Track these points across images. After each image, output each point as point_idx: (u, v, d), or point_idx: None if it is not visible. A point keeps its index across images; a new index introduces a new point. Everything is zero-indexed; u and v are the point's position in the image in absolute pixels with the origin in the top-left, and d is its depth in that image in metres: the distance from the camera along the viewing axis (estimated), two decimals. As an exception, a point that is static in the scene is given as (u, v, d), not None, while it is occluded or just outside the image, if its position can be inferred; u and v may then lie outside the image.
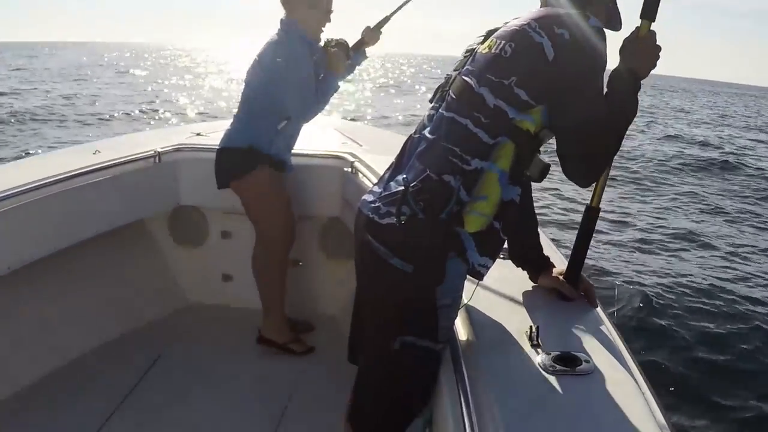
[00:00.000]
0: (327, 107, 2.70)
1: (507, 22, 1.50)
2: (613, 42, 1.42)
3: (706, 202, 9.50)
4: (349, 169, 2.86)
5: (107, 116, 15.62)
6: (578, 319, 1.55)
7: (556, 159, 1.43)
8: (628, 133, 1.46)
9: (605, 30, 1.41)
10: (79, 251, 2.59)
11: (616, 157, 1.50)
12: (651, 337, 4.49)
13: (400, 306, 1.46)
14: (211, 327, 3.09)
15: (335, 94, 2.70)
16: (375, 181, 1.83)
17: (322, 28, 2.63)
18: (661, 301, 5.06)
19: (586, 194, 1.70)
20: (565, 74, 1.34)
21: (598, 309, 1.63)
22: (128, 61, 53.69)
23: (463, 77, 1.47)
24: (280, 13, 2.61)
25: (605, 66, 1.37)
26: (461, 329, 1.52)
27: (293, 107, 2.59)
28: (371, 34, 2.78)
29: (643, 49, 1.41)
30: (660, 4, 1.42)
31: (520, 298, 1.65)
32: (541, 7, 1.49)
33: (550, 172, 1.40)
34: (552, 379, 1.27)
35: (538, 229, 1.73)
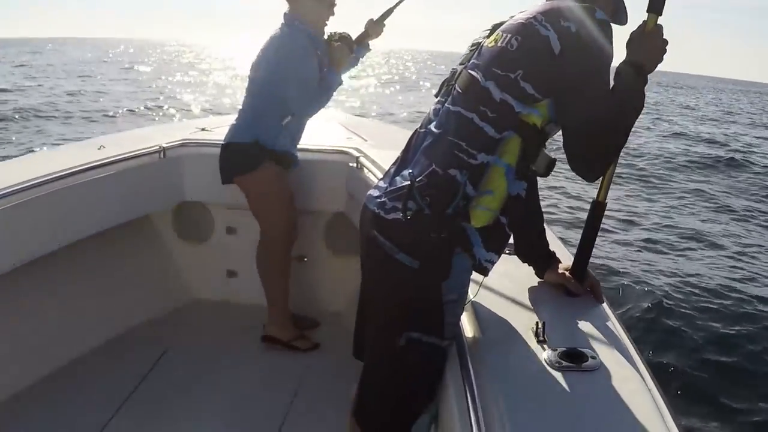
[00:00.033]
0: (331, 104, 2.68)
1: (513, 16, 1.49)
2: (620, 36, 1.43)
3: (713, 200, 9.46)
4: (354, 164, 2.85)
5: (112, 113, 15.62)
6: (584, 315, 1.55)
7: (563, 155, 1.42)
8: (633, 130, 1.45)
9: (612, 24, 1.40)
10: (84, 247, 2.59)
11: (622, 154, 1.49)
12: (658, 337, 4.47)
13: (405, 302, 1.45)
14: (215, 323, 3.09)
15: (339, 90, 2.69)
16: (380, 176, 1.82)
17: (326, 22, 2.62)
18: (669, 301, 5.02)
19: (592, 192, 1.69)
20: (570, 72, 1.34)
21: (605, 305, 1.63)
22: (132, 56, 53.63)
23: (469, 71, 1.46)
24: (281, 13, 2.60)
25: (611, 61, 1.36)
26: (467, 325, 1.51)
27: (296, 102, 2.58)
28: (374, 27, 2.77)
29: (649, 44, 1.40)
30: None
31: (526, 294, 1.65)
32: (547, 0, 1.48)
33: (556, 168, 1.40)
34: (558, 375, 1.27)
35: (544, 225, 1.73)
